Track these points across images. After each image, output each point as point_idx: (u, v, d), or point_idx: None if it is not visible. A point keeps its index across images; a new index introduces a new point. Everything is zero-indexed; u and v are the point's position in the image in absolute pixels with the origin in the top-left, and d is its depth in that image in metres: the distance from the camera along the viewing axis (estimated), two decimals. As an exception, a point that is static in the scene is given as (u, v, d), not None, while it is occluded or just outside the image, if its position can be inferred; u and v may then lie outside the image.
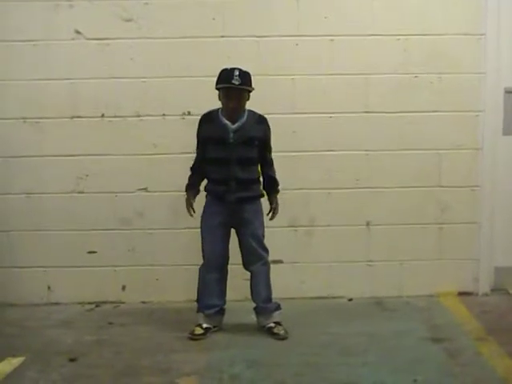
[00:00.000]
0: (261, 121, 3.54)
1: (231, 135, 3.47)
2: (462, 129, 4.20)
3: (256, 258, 3.65)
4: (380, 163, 4.22)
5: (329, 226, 4.27)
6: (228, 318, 3.78)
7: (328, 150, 4.20)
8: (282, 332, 3.64)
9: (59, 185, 4.22)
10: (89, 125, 4.16)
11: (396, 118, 4.17)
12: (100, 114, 4.15)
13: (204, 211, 3.67)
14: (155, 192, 4.18)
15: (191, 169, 3.71)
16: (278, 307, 3.74)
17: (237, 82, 3.39)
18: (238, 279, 3.83)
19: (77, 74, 4.12)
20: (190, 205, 3.63)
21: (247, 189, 3.55)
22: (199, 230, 3.68)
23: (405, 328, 3.76)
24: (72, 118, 4.16)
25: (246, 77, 3.45)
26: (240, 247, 3.68)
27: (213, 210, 3.62)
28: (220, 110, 3.55)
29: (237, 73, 3.40)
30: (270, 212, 3.66)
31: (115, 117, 4.15)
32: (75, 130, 4.16)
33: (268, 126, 3.57)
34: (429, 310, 4.07)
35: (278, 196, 3.70)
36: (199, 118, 3.64)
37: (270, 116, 3.82)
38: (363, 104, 4.17)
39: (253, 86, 3.51)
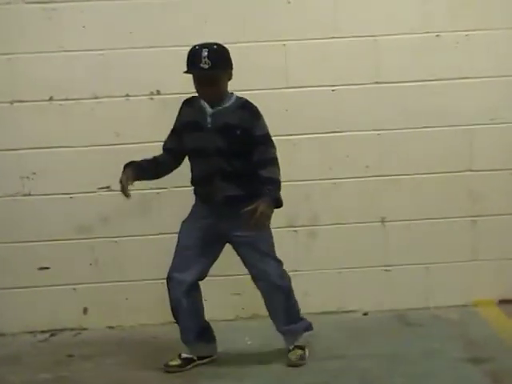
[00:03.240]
0: (243, 106, 3.30)
1: (208, 120, 3.25)
2: (497, 98, 3.93)
3: (261, 273, 3.36)
4: (395, 145, 3.97)
5: (335, 224, 4.02)
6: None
7: (331, 132, 3.96)
8: (293, 357, 3.38)
9: (-1, 187, 4.02)
10: (34, 111, 3.91)
11: (414, 89, 3.92)
12: (48, 97, 3.90)
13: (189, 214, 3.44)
14: (120, 191, 3.77)
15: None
16: (307, 327, 3.47)
17: (206, 66, 3.14)
18: (226, 294, 3.71)
19: (16, 47, 3.86)
20: (125, 180, 3.25)
21: (238, 186, 3.25)
22: (177, 236, 3.43)
23: (435, 347, 3.49)
24: (12, 102, 3.89)
25: (218, 57, 3.18)
26: (242, 261, 3.39)
27: (195, 211, 3.36)
28: None
29: (205, 53, 3.14)
30: (245, 211, 3.17)
31: (67, 100, 3.90)
32: (17, 117, 3.91)
33: (253, 114, 3.30)
34: (463, 323, 3.85)
35: (269, 204, 3.17)
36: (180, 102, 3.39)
37: (258, 92, 3.61)
38: (373, 72, 3.92)
39: (232, 63, 3.25)
